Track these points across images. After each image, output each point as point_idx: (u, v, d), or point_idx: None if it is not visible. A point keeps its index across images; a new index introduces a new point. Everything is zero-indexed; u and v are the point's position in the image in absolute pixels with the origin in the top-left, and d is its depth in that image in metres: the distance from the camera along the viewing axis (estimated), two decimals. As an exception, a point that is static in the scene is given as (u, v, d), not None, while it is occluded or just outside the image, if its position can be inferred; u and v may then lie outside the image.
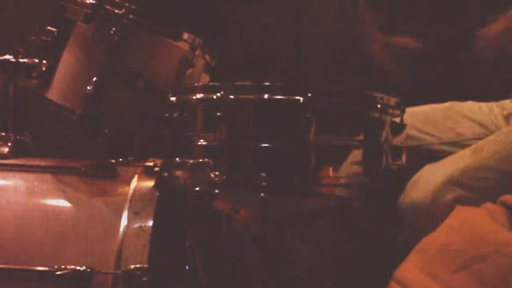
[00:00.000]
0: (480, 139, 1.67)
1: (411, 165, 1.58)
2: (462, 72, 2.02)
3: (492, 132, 1.70)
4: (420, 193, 1.56)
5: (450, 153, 1.67)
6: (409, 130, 1.53)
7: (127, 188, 1.56)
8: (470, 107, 1.79)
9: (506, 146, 1.59)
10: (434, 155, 1.66)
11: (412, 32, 2.01)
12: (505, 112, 1.76)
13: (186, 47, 1.69)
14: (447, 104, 1.81)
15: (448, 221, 1.37)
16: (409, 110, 1.51)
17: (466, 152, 1.62)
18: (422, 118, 1.75)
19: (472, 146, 1.64)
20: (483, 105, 1.79)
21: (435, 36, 2.04)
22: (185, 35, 1.70)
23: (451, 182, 1.54)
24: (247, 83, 1.38)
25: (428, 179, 1.57)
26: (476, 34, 1.80)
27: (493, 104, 1.79)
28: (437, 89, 2.06)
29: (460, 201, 1.49)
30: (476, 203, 1.38)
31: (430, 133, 1.73)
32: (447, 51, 2.04)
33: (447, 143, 1.71)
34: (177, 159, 1.43)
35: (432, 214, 1.48)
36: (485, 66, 1.82)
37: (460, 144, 1.70)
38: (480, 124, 1.74)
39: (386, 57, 2.00)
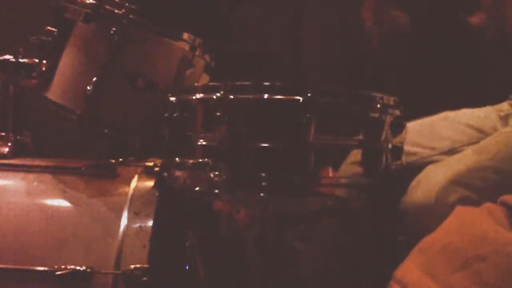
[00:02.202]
0: (478, 143, 1.67)
1: (410, 180, 1.58)
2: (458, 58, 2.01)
3: (489, 135, 1.70)
4: (424, 193, 1.55)
5: None
6: (407, 147, 1.53)
7: (127, 188, 1.56)
8: (465, 113, 1.79)
9: (508, 146, 1.59)
10: None
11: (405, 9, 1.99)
12: (502, 114, 1.75)
13: (186, 47, 1.69)
14: (441, 114, 1.80)
15: (448, 221, 1.37)
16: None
17: (469, 152, 1.62)
18: (418, 132, 1.74)
19: (474, 146, 1.63)
20: (478, 110, 1.79)
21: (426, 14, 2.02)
22: (185, 35, 1.70)
23: (455, 182, 1.53)
24: (247, 83, 1.38)
25: (432, 179, 1.56)
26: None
27: (488, 108, 1.79)
28: (436, 92, 2.06)
29: (464, 201, 1.48)
30: (480, 203, 1.38)
31: (428, 146, 1.72)
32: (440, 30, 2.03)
33: (445, 152, 1.71)
34: (177, 159, 1.43)
35: (436, 214, 1.48)
36: (484, 40, 1.81)
37: (458, 151, 1.69)
38: (477, 129, 1.74)
39: (375, 28, 1.98)
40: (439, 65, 2.09)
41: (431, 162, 1.66)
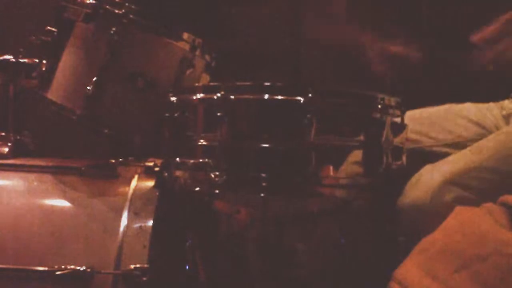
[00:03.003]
0: (479, 139, 1.67)
1: (410, 167, 1.58)
2: (461, 75, 2.02)
3: (491, 133, 1.70)
4: (420, 193, 1.55)
5: (449, 154, 1.67)
6: (408, 133, 1.53)
7: (127, 188, 1.56)
8: (469, 108, 1.79)
9: (506, 146, 1.59)
10: (433, 157, 1.66)
11: (409, 39, 1.99)
12: (504, 112, 1.76)
13: (186, 47, 1.69)
14: (445, 106, 1.81)
15: (448, 221, 1.37)
16: (407, 113, 1.51)
17: (466, 152, 1.62)
18: (421, 121, 1.74)
19: (472, 146, 1.64)
20: (481, 106, 1.79)
21: (432, 44, 2.03)
22: (185, 35, 1.70)
23: (451, 182, 1.54)
24: (248, 83, 1.38)
25: (428, 179, 1.57)
26: (473, 38, 1.77)
27: (492, 105, 1.79)
28: (437, 90, 2.06)
29: (460, 201, 1.49)
30: (476, 203, 1.38)
31: (429, 135, 1.73)
32: (445, 58, 2.03)
33: (446, 145, 1.71)
34: (177, 159, 1.43)
35: (431, 214, 1.48)
36: (485, 67, 1.82)
37: (459, 145, 1.69)
38: (479, 125, 1.74)
39: (383, 65, 1.99)
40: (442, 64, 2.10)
41: (430, 152, 1.66)
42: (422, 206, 1.53)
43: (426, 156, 1.67)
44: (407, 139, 1.50)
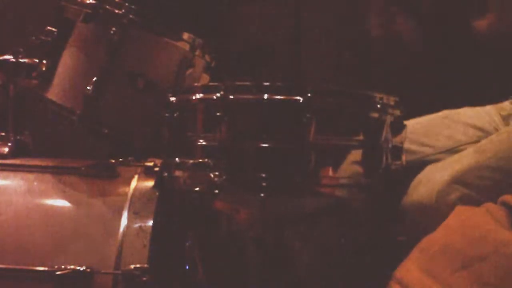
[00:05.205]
0: (479, 142, 1.67)
1: (412, 179, 1.58)
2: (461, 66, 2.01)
3: (490, 135, 1.70)
4: (424, 193, 1.55)
5: None
6: (407, 145, 1.53)
7: (127, 188, 1.56)
8: (466, 112, 1.78)
9: (508, 145, 1.59)
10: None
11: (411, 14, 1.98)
12: (503, 113, 1.75)
13: (186, 47, 1.69)
14: (442, 112, 1.80)
15: (448, 221, 1.37)
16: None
17: (470, 151, 1.62)
18: (419, 131, 1.73)
19: (476, 145, 1.63)
20: (479, 109, 1.79)
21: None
22: (185, 35, 1.70)
23: (456, 181, 1.53)
24: (247, 83, 1.38)
25: (432, 179, 1.56)
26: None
27: (490, 107, 1.78)
28: (437, 92, 2.06)
29: (464, 200, 1.49)
30: (480, 203, 1.38)
31: (428, 145, 1.72)
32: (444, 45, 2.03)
33: (445, 151, 1.70)
34: (177, 159, 1.43)
35: (436, 214, 1.48)
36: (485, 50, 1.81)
37: (458, 150, 1.69)
38: (478, 128, 1.73)
39: (382, 35, 1.97)
40: (441, 65, 2.09)
41: (431, 161, 1.66)
42: (427, 206, 1.53)
43: (425, 165, 1.66)
44: (406, 150, 1.49)
